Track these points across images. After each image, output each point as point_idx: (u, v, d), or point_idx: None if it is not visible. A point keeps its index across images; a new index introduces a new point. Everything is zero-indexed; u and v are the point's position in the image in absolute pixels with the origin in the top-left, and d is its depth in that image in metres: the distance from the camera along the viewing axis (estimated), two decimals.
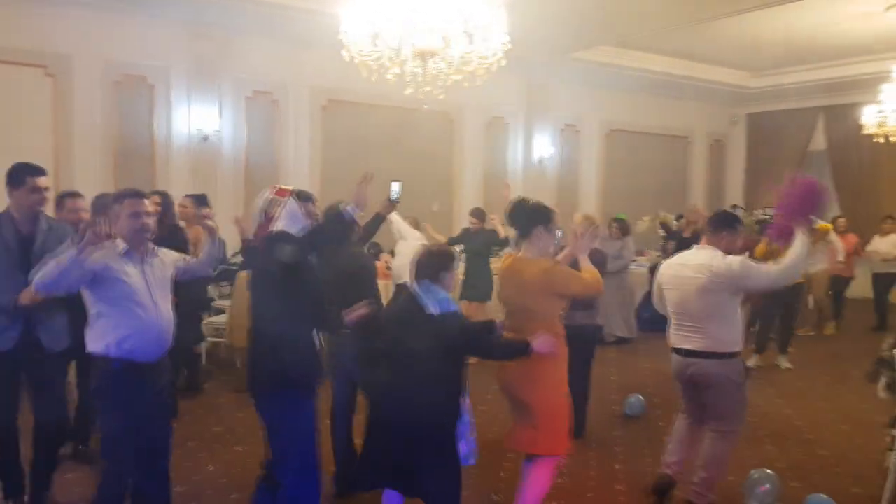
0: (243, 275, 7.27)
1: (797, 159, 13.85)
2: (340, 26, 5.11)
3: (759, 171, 14.50)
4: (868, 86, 10.27)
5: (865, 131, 9.31)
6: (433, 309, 3.33)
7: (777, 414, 6.16)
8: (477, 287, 8.01)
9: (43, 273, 3.11)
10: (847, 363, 8.04)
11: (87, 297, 3.35)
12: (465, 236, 8.25)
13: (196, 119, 9.18)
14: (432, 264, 3.48)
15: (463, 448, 3.46)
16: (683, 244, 9.15)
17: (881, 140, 9.24)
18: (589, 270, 3.84)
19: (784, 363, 8.01)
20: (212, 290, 8.67)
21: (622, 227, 9.11)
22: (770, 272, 4.02)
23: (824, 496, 4.35)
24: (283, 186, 3.76)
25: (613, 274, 8.22)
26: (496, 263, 7.45)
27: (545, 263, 3.73)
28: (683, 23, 9.14)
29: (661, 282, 4.38)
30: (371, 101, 9.86)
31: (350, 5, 5.04)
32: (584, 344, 5.20)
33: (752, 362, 6.22)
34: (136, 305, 3.34)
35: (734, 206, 13.51)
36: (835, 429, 6.05)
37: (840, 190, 13.17)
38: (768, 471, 4.57)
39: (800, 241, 3.96)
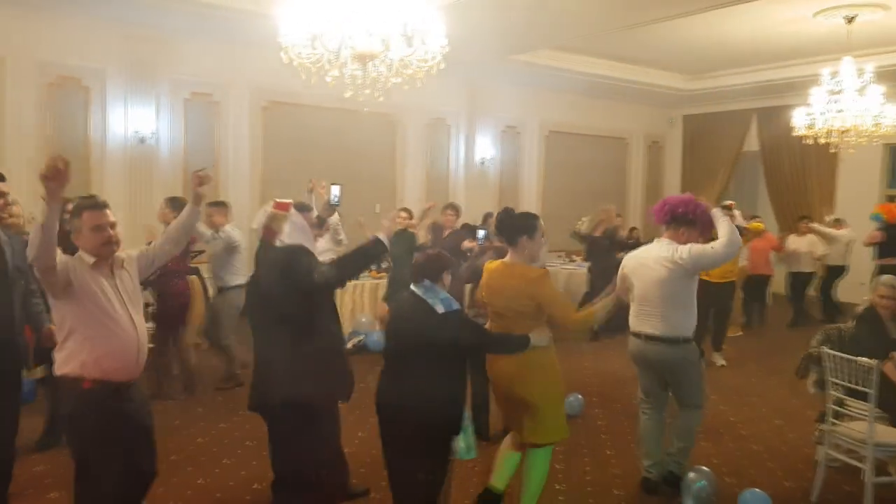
0: (195, 279, 7.18)
1: (731, 160, 14.24)
2: (280, 28, 5.05)
3: (696, 172, 14.85)
4: (798, 89, 10.59)
5: (796, 133, 9.57)
6: (439, 308, 3.45)
7: (712, 410, 6.30)
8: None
9: (30, 247, 2.99)
10: (776, 358, 8.29)
11: (59, 314, 3.18)
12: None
13: (133, 121, 8.98)
14: (434, 266, 3.62)
15: (461, 443, 3.55)
16: (595, 244, 9.38)
17: (810, 142, 9.52)
18: (586, 311, 4.25)
19: (719, 360, 8.21)
20: (149, 295, 8.46)
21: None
22: (716, 248, 4.36)
23: (759, 491, 4.47)
24: (281, 200, 3.78)
25: None
26: None
27: (533, 273, 3.92)
28: (619, 27, 9.29)
29: (625, 272, 4.65)
30: (312, 102, 9.77)
31: (289, 7, 4.99)
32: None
33: None
34: (111, 321, 3.17)
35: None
36: (768, 424, 6.23)
37: (772, 190, 13.58)
38: (704, 468, 4.67)
39: (720, 219, 4.44)
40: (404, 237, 7.54)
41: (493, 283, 4.04)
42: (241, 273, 6.98)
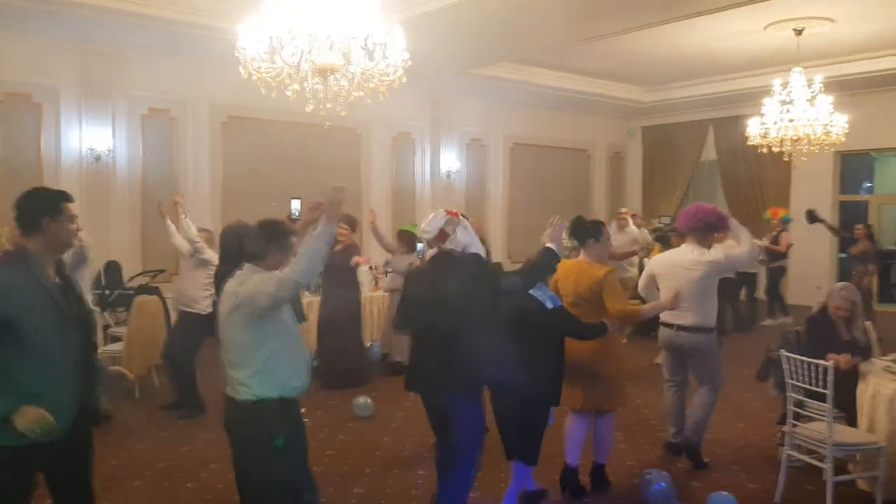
0: (141, 300, 7.04)
1: (690, 169, 14.52)
2: (237, 42, 5.03)
3: (656, 181, 15.11)
4: (752, 99, 10.84)
5: (750, 142, 9.78)
6: (549, 304, 4.26)
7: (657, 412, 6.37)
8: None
9: (305, 271, 3.06)
10: (736, 363, 8.40)
11: (258, 334, 3.14)
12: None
13: (88, 138, 8.84)
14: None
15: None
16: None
17: (765, 150, 9.74)
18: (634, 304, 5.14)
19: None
20: (108, 317, 8.34)
21: (409, 241, 7.81)
22: (742, 252, 5.32)
23: (726, 493, 4.53)
24: (450, 209, 4.08)
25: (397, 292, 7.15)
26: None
27: (601, 269, 4.67)
28: (578, 40, 9.42)
29: (653, 273, 5.46)
30: (273, 117, 9.72)
31: (247, 22, 4.97)
32: None
33: (659, 359, 6.54)
34: (293, 337, 3.35)
35: (633, 216, 14.04)
36: (731, 427, 6.31)
37: (730, 197, 13.84)
38: (663, 472, 4.74)
39: (741, 229, 5.32)
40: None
41: (568, 277, 4.74)
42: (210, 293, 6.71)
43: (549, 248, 4.08)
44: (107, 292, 8.49)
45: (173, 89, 9.49)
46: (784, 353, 4.73)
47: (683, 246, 5.42)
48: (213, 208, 9.74)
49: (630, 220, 10.43)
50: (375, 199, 11.53)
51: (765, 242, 10.78)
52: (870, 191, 14.72)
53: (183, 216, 6.62)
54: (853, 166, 13.73)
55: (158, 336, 6.93)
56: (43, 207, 3.01)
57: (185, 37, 8.59)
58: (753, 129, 9.57)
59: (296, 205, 4.63)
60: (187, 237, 6.52)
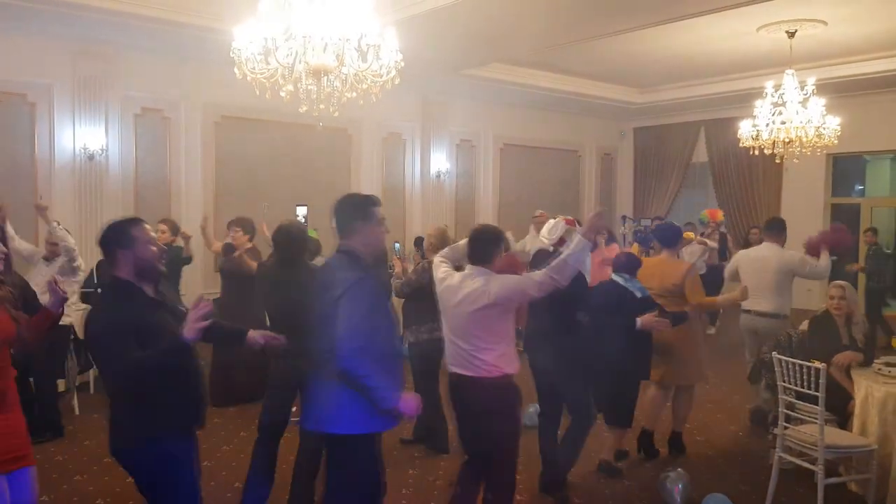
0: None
1: (681, 171, 14.54)
2: (232, 43, 5.02)
3: (647, 183, 15.13)
4: (744, 101, 10.85)
5: (742, 144, 9.79)
6: (638, 294, 5.08)
7: (668, 416, 6.39)
8: None
9: (564, 274, 3.66)
10: (728, 364, 8.43)
11: (502, 322, 3.81)
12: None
13: (81, 137, 8.79)
14: (632, 265, 5.27)
15: None
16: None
17: (756, 152, 9.76)
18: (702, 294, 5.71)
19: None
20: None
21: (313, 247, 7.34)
22: (818, 266, 6.42)
23: (720, 495, 4.55)
24: (567, 217, 4.63)
25: None
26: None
27: (682, 266, 5.68)
28: (569, 41, 9.41)
29: (738, 265, 6.69)
30: (266, 117, 9.70)
31: (241, 22, 4.96)
32: (427, 360, 5.57)
33: (712, 330, 7.32)
34: None
35: (623, 217, 14.09)
36: (723, 430, 6.34)
37: (721, 199, 13.87)
38: (680, 470, 4.79)
39: (824, 255, 6.45)
40: (172, 251, 6.98)
41: (653, 274, 5.53)
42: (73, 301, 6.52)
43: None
44: (99, 290, 8.43)
45: (167, 89, 9.46)
46: (776, 355, 4.75)
47: (764, 244, 6.63)
48: (205, 208, 9.70)
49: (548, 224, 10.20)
50: None
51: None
52: (862, 193, 14.77)
53: (55, 223, 6.40)
54: (845, 169, 13.78)
55: None
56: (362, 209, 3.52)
57: (179, 37, 8.56)
58: (745, 131, 9.59)
59: (302, 211, 4.68)
60: (67, 244, 6.33)
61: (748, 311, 6.42)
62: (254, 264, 6.39)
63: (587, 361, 4.73)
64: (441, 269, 4.03)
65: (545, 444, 4.90)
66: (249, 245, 7.06)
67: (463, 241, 4.17)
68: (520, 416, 4.01)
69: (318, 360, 3.23)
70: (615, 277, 5.21)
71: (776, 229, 6.61)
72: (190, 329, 2.78)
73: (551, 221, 4.91)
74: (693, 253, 10.10)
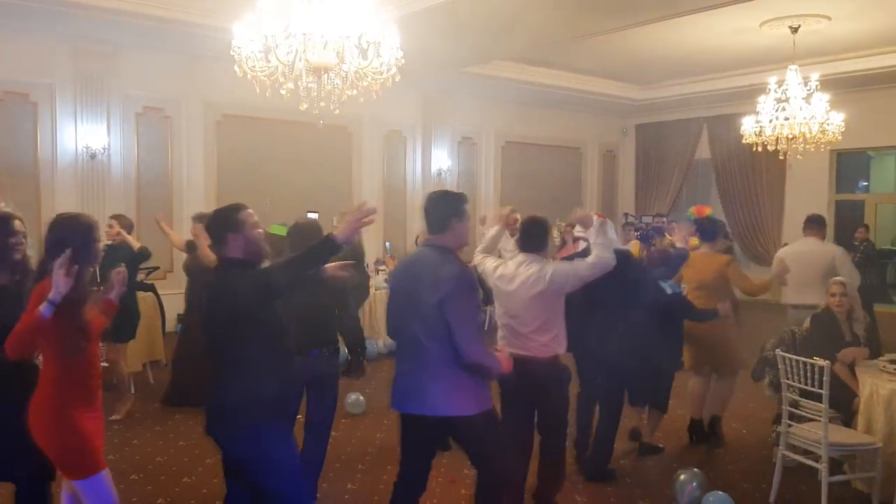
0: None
1: (684, 168, 14.49)
2: (233, 41, 5.00)
3: (649, 180, 15.08)
4: (747, 97, 10.81)
5: (745, 140, 9.76)
6: (669, 290, 5.25)
7: (671, 415, 6.34)
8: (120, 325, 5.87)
9: (608, 254, 4.11)
10: None
11: (547, 309, 4.09)
12: (107, 252, 5.93)
13: (83, 136, 8.82)
14: (667, 262, 5.49)
15: None
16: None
17: (759, 149, 9.72)
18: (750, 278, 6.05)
19: None
20: None
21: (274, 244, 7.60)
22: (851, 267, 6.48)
23: (722, 493, 4.52)
24: (600, 213, 4.53)
25: None
26: None
27: (725, 259, 5.88)
28: (571, 37, 9.39)
29: (784, 259, 6.46)
30: (267, 115, 9.71)
31: (242, 21, 4.95)
32: None
33: None
34: None
35: (625, 214, 14.03)
36: (726, 427, 6.29)
37: (724, 196, 13.83)
38: (694, 469, 4.77)
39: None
40: (119, 250, 6.27)
41: (697, 266, 5.73)
42: None
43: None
44: (101, 289, 8.42)
45: (168, 88, 9.48)
46: (780, 352, 4.72)
47: (806, 239, 6.76)
48: (206, 206, 9.65)
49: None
50: (367, 197, 11.47)
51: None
52: (866, 189, 14.74)
53: None
54: (849, 165, 13.74)
55: (154, 333, 6.88)
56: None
57: (180, 35, 8.57)
58: (748, 128, 9.55)
59: (314, 217, 4.75)
60: None
61: (796, 307, 6.43)
62: (213, 256, 6.27)
63: (626, 353, 5.07)
64: (488, 261, 4.38)
65: (584, 434, 5.28)
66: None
67: (490, 234, 4.59)
68: (568, 389, 4.40)
69: (411, 349, 3.42)
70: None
71: (817, 224, 6.79)
72: (348, 227, 2.96)
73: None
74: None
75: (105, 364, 6.04)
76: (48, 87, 8.67)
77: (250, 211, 3.20)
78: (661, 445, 5.76)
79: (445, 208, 3.51)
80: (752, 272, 11.43)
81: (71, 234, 3.10)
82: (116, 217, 6.58)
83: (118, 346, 6.18)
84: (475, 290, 3.46)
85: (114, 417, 6.02)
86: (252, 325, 3.02)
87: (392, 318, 3.62)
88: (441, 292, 3.25)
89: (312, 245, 3.05)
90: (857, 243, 10.07)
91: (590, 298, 4.68)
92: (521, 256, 4.19)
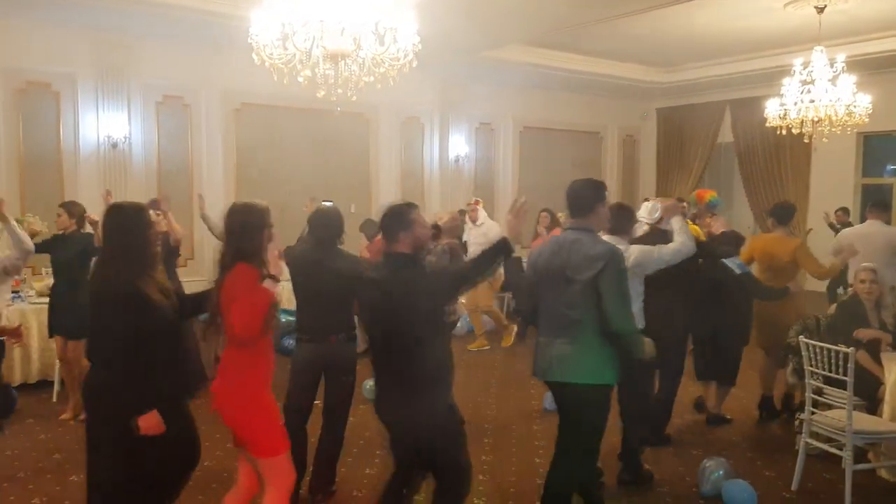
0: None
1: (706, 152, 14.30)
2: (250, 29, 5.00)
3: (671, 165, 14.91)
4: (771, 79, 10.64)
5: (769, 124, 9.60)
6: (737, 270, 5.56)
7: (691, 400, 6.33)
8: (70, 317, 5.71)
9: (690, 242, 4.72)
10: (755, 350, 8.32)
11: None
12: (55, 243, 6.08)
13: (105, 125, 8.89)
14: (732, 243, 5.87)
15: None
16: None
17: (783, 132, 9.56)
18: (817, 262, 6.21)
19: None
20: None
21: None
22: None
23: (741, 481, 4.49)
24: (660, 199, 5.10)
25: None
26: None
27: (794, 241, 6.18)
28: (591, 20, 9.27)
29: (850, 240, 6.63)
30: (285, 103, 9.73)
31: (260, 8, 4.94)
32: None
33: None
34: None
35: (646, 199, 13.89)
36: (748, 414, 6.26)
37: (747, 181, 13.65)
38: (720, 458, 4.74)
39: None
40: (75, 240, 5.99)
41: (765, 248, 6.15)
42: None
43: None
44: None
45: (187, 77, 9.51)
46: (803, 339, 4.66)
47: (869, 221, 7.07)
48: (226, 194, 9.74)
49: (482, 212, 9.63)
50: (384, 183, 11.49)
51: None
52: (894, 174, 14.47)
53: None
54: (877, 148, 13.45)
55: None
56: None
57: (199, 24, 8.56)
58: (772, 110, 9.39)
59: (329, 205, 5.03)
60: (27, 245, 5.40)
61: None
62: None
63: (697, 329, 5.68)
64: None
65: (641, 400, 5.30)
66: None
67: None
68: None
69: (556, 318, 3.76)
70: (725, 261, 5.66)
71: (880, 206, 7.10)
72: (510, 224, 3.61)
73: (648, 204, 5.44)
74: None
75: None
76: (70, 77, 8.73)
77: (420, 211, 3.58)
78: (728, 417, 6.06)
79: (593, 195, 3.91)
80: None
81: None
82: (63, 205, 6.09)
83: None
84: (624, 267, 3.83)
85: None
86: (440, 317, 3.50)
87: (535, 296, 3.92)
88: (595, 269, 3.61)
89: (493, 245, 3.50)
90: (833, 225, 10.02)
91: (662, 277, 4.85)
92: (606, 237, 4.35)
